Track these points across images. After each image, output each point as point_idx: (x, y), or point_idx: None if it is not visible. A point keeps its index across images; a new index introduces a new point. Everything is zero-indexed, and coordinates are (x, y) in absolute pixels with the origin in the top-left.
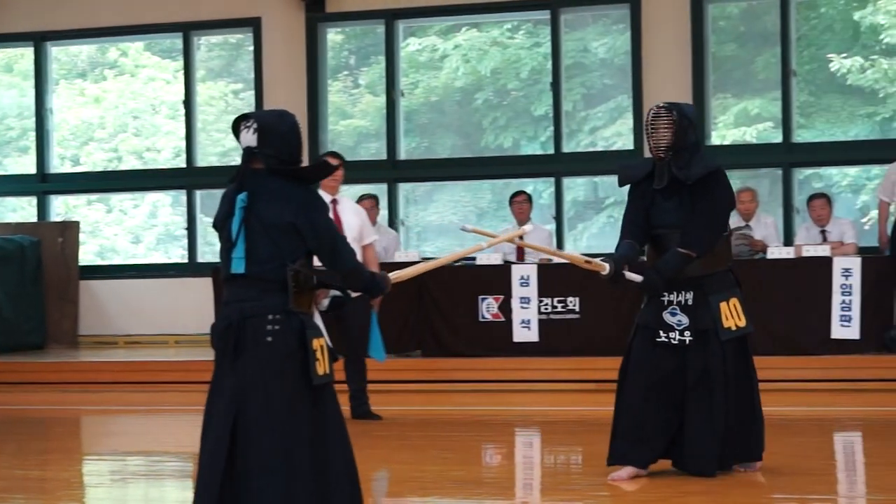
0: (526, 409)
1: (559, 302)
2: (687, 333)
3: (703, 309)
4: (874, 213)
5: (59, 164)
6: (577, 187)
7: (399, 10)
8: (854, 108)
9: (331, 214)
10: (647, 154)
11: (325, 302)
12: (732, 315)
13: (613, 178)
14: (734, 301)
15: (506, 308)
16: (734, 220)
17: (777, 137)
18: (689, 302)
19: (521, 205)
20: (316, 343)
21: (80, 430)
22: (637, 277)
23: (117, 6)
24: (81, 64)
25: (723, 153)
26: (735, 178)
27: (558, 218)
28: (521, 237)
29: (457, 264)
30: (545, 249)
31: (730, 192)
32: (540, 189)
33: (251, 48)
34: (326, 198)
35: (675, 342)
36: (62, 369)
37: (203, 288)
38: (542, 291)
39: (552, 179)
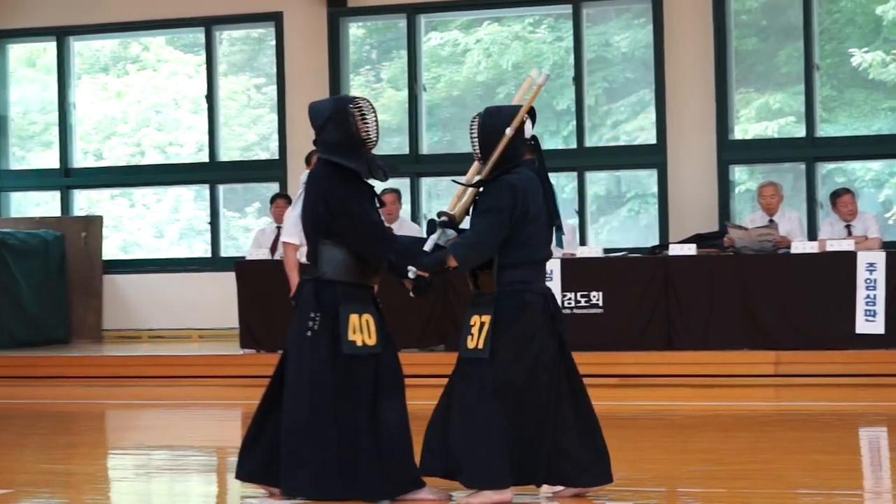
0: None
1: (582, 296)
2: None
3: None
4: None
5: (82, 159)
6: (599, 181)
7: (420, 5)
8: (876, 103)
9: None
10: (671, 149)
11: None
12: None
13: (636, 172)
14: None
15: None
16: (758, 216)
17: (800, 132)
18: None
19: None
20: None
21: (104, 424)
22: None
23: (139, 1)
24: (104, 59)
25: (746, 147)
26: (758, 172)
27: (581, 212)
28: None
29: None
30: None
31: None
32: (563, 183)
33: (273, 43)
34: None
35: None
36: (86, 364)
37: (226, 282)
38: (566, 286)
39: (574, 174)
